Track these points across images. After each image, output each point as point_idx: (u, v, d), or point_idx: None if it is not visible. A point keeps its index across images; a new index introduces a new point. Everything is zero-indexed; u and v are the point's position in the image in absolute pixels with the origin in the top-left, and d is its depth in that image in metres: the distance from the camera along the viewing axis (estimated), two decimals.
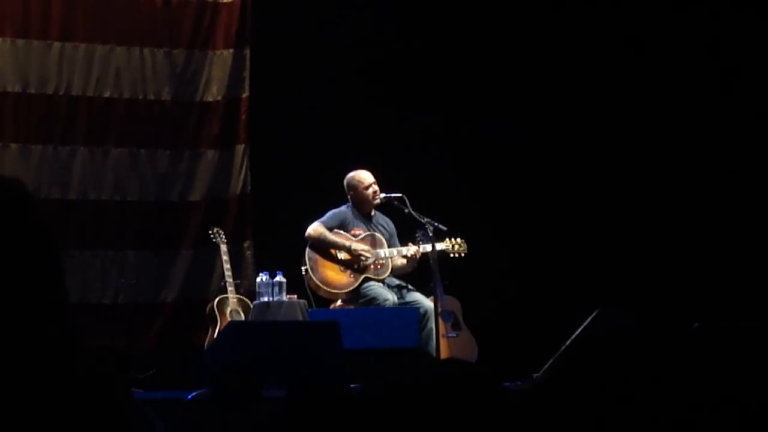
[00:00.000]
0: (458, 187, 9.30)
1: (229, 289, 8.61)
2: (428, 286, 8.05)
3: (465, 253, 8.31)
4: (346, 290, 8.16)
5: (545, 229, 9.43)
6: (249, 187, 9.52)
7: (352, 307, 8.13)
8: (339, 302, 8.23)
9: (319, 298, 8.22)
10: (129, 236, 9.27)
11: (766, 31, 9.10)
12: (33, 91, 9.07)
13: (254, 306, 8.28)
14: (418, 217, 8.10)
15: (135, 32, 9.35)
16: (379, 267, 8.21)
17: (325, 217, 8.24)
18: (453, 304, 8.26)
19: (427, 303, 8.01)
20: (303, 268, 8.14)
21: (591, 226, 9.30)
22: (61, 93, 9.14)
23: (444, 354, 7.88)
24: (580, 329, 6.54)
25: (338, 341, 6.93)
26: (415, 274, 8.29)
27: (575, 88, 9.45)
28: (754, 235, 9.00)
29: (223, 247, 8.81)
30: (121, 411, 1.30)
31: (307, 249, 8.16)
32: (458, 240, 8.31)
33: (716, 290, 8.46)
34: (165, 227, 9.35)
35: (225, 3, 9.52)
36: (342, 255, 8.17)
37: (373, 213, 8.39)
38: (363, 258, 8.14)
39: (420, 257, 8.15)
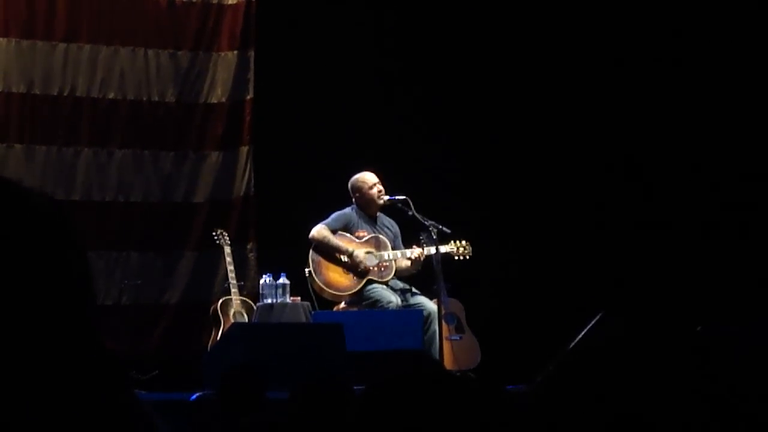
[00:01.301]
0: (462, 189, 9.30)
1: (233, 290, 8.61)
2: (432, 288, 8.05)
3: (470, 256, 8.31)
4: (349, 292, 8.16)
5: (549, 232, 9.43)
6: (253, 189, 9.52)
7: (355, 309, 8.13)
8: (342, 304, 8.23)
9: (322, 300, 8.22)
10: (133, 237, 9.28)
11: (766, 30, 9.11)
12: (37, 91, 9.09)
13: (258, 308, 8.29)
14: (422, 220, 8.10)
15: (139, 33, 9.36)
16: (383, 269, 8.21)
17: (329, 219, 8.24)
18: (456, 306, 8.26)
19: (431, 305, 8.01)
20: (306, 270, 8.14)
21: (595, 229, 9.30)
22: (65, 94, 9.15)
23: (447, 357, 7.88)
24: (583, 332, 6.54)
25: (341, 343, 6.94)
26: (419, 276, 8.29)
27: (580, 91, 9.45)
28: (758, 238, 8.99)
29: (227, 249, 8.81)
30: (126, 412, 1.31)
31: (311, 251, 8.16)
32: (463, 242, 8.30)
33: (720, 294, 8.45)
34: (169, 229, 9.36)
35: (229, 5, 9.53)
36: (344, 258, 8.17)
37: (377, 215, 8.39)
38: (363, 267, 8.13)
39: (424, 260, 8.15)
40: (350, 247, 8.17)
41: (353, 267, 8.15)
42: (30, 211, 1.29)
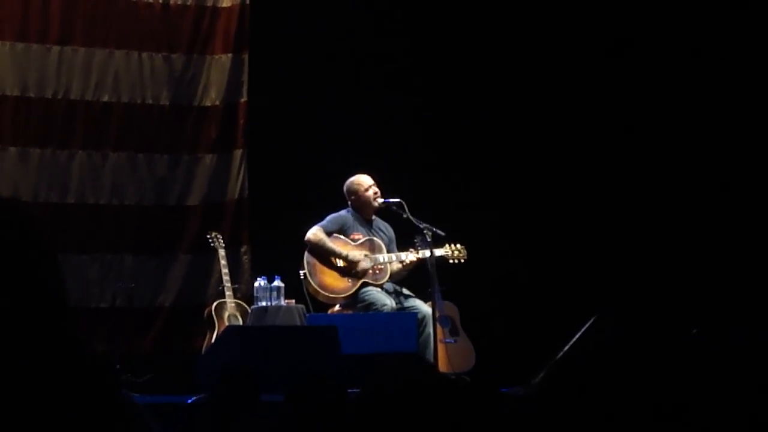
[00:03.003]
0: (457, 192, 9.30)
1: (227, 293, 8.61)
2: (426, 291, 8.05)
3: (465, 259, 8.30)
4: (344, 295, 8.15)
5: (544, 235, 9.43)
6: (246, 192, 9.51)
7: (350, 311, 8.12)
8: (337, 307, 8.23)
9: (317, 303, 8.21)
10: (127, 240, 9.26)
11: (764, 30, 9.10)
12: (32, 94, 9.08)
13: (252, 311, 8.28)
14: (416, 223, 8.10)
15: (134, 36, 9.35)
16: (377, 272, 8.20)
17: (325, 221, 8.24)
18: (451, 309, 8.26)
19: (425, 308, 8.01)
20: (302, 272, 8.13)
21: (589, 232, 9.30)
22: (59, 97, 9.14)
23: (442, 360, 7.88)
24: (578, 335, 6.53)
25: (336, 346, 6.94)
26: (414, 279, 8.28)
27: (575, 95, 9.45)
28: (754, 239, 8.99)
29: (221, 252, 8.81)
30: (123, 415, 1.30)
31: (306, 253, 8.15)
32: (458, 246, 8.30)
33: (716, 295, 8.45)
34: (163, 231, 9.35)
35: (224, 7, 9.52)
36: (340, 263, 8.17)
37: (373, 218, 8.39)
38: (360, 270, 8.12)
39: (418, 262, 8.15)
40: (345, 251, 8.16)
41: (350, 269, 8.15)
42: None
